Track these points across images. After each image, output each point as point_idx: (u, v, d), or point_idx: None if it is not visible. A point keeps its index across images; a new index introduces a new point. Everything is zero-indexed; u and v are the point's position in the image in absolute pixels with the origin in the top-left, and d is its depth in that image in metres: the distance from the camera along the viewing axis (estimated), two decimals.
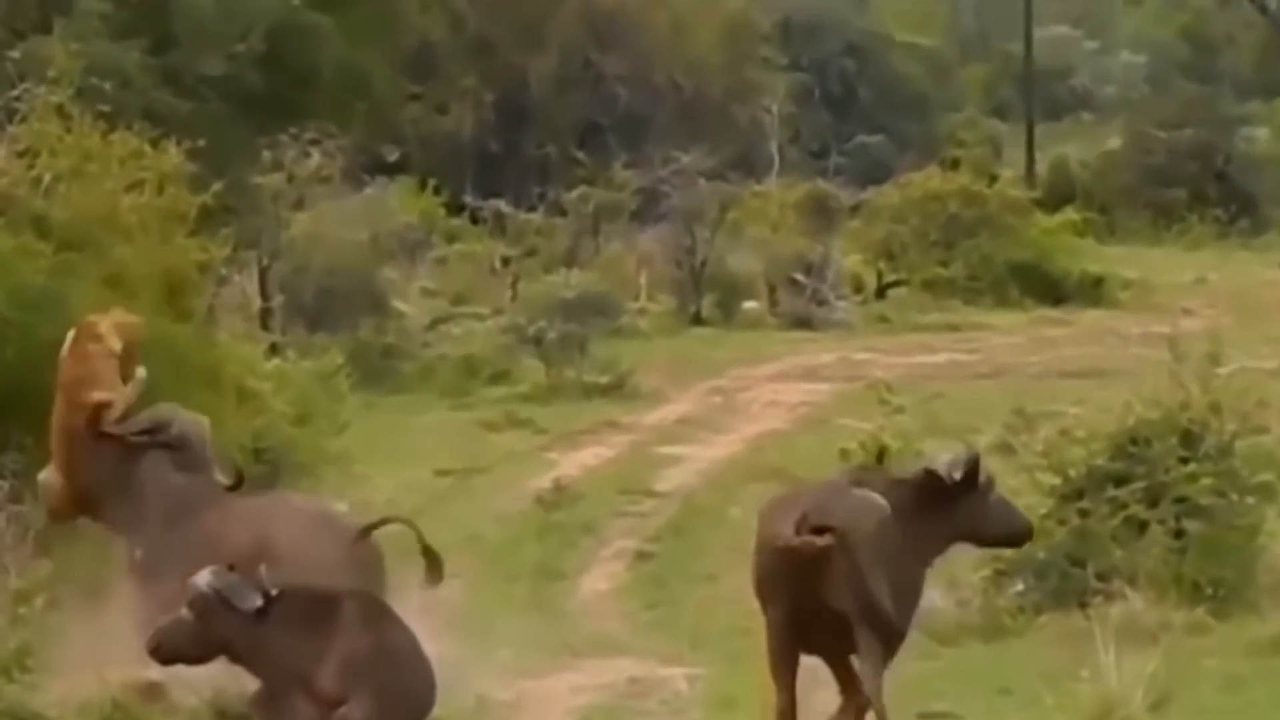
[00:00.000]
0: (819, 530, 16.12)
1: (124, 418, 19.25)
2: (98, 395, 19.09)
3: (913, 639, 23.45)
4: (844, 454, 33.86)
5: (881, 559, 16.30)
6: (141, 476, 19.41)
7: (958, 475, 17.35)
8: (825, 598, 16.37)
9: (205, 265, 27.29)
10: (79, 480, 19.06)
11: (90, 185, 24.25)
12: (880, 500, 16.78)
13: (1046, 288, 55.44)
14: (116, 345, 19.42)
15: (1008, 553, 23.94)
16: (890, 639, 16.78)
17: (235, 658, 19.51)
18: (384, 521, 20.36)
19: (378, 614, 19.69)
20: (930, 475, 17.44)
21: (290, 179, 47.04)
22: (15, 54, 38.67)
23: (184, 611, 19.45)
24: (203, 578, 19.37)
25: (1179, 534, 23.40)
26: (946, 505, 17.28)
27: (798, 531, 16.14)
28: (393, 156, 60.15)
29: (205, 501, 20.33)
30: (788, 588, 16.46)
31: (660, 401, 41.85)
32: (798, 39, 77.79)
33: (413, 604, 20.33)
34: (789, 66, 74.80)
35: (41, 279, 23.90)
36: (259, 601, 19.25)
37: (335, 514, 20.79)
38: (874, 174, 68.82)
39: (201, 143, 29.21)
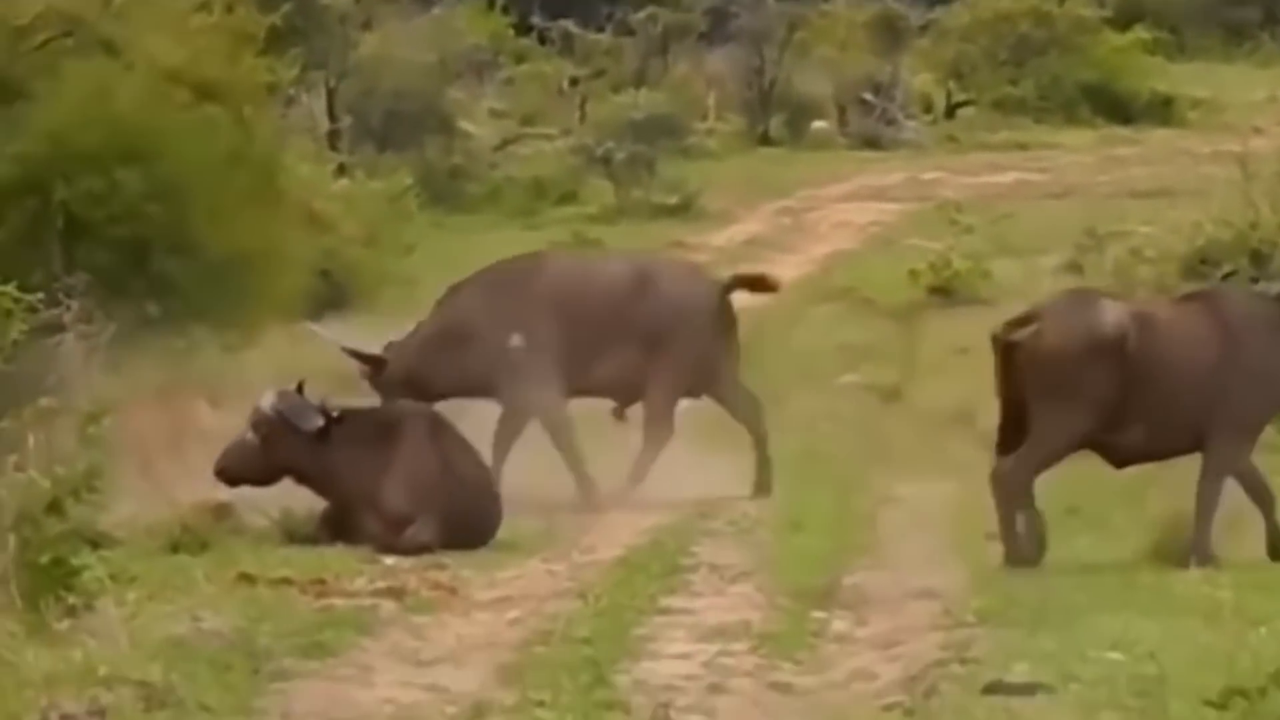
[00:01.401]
0: None
1: None
2: None
3: (974, 456, 23.61)
4: (913, 274, 33.88)
5: None
6: None
7: None
8: None
9: (274, 86, 27.25)
10: None
11: (156, 6, 24.12)
12: None
13: (1116, 107, 55.22)
14: None
15: None
16: None
17: (301, 478, 19.53)
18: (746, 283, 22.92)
19: (442, 433, 19.73)
20: None
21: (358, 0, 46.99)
22: None
23: (248, 434, 19.46)
24: (266, 399, 19.38)
25: None
26: None
27: None
28: None
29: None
30: None
31: (729, 222, 41.80)
32: None
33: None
34: None
35: (112, 100, 23.89)
36: (320, 422, 19.25)
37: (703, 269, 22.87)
38: None
39: None
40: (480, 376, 22.01)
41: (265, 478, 19.64)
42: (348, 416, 19.66)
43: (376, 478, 19.39)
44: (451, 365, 22.10)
